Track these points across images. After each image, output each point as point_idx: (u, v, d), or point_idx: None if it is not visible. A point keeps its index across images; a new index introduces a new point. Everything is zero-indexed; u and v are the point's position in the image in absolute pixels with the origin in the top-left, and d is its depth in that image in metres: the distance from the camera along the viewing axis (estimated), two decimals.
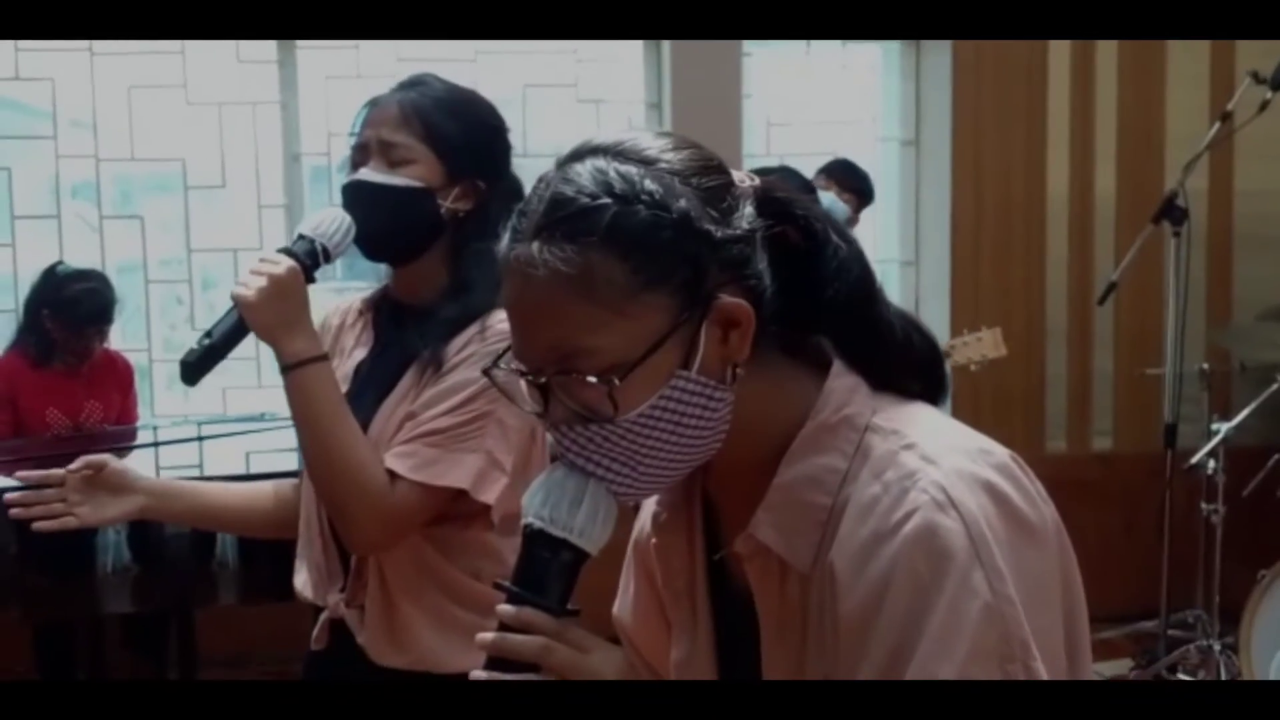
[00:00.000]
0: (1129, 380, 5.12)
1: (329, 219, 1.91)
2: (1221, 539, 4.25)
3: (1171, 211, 4.25)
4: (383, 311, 2.06)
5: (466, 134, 1.94)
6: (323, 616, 2.01)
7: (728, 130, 4.72)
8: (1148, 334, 4.99)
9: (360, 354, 2.03)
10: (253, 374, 4.65)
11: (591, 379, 1.08)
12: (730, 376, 1.12)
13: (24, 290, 4.36)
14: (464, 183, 1.93)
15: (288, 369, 1.85)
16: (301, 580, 2.05)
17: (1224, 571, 4.27)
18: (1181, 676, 4.29)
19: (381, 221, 1.92)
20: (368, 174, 1.91)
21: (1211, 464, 4.22)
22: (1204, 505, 4.29)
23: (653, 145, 1.12)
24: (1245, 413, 4.24)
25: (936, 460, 1.08)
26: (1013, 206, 5.15)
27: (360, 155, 1.94)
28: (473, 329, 1.90)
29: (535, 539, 1.13)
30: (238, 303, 1.84)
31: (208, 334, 1.85)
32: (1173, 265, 4.32)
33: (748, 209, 1.13)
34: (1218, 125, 4.34)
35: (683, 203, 1.09)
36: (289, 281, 1.84)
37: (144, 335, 4.91)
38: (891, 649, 1.04)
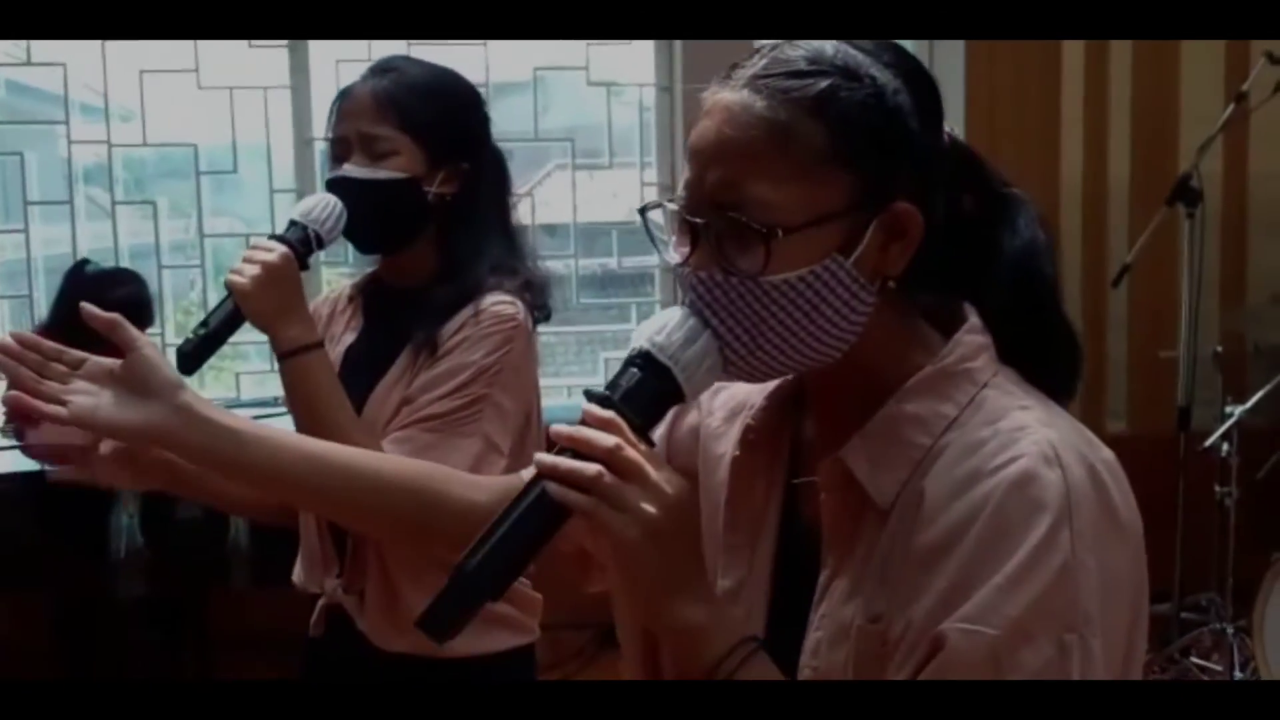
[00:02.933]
0: (1143, 363, 5.09)
1: (320, 204, 1.90)
2: (1235, 522, 4.23)
3: (1185, 193, 4.22)
4: (372, 296, 2.05)
5: (445, 117, 1.93)
6: (320, 603, 2.01)
7: None
8: (1162, 316, 4.95)
9: (350, 338, 2.02)
10: (265, 358, 4.65)
11: (755, 225, 1.06)
12: (879, 287, 1.11)
13: (37, 275, 4.36)
14: (447, 166, 1.93)
15: (284, 356, 1.86)
16: (297, 571, 2.05)
17: (1237, 554, 4.25)
18: (1194, 660, 4.28)
19: (370, 215, 1.92)
20: (352, 170, 1.90)
21: (1225, 447, 4.19)
22: (1218, 488, 4.26)
23: (883, 52, 1.14)
24: (1259, 395, 4.20)
25: (1051, 426, 1.10)
26: (1026, 187, 4.97)
27: (341, 149, 1.92)
28: (467, 311, 1.90)
29: (639, 359, 1.11)
30: (232, 291, 1.84)
31: (204, 323, 1.86)
32: (1187, 247, 4.30)
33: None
34: (1232, 107, 4.31)
35: (900, 97, 1.11)
36: (283, 268, 1.84)
37: (157, 320, 4.92)
38: (957, 581, 1.02)
